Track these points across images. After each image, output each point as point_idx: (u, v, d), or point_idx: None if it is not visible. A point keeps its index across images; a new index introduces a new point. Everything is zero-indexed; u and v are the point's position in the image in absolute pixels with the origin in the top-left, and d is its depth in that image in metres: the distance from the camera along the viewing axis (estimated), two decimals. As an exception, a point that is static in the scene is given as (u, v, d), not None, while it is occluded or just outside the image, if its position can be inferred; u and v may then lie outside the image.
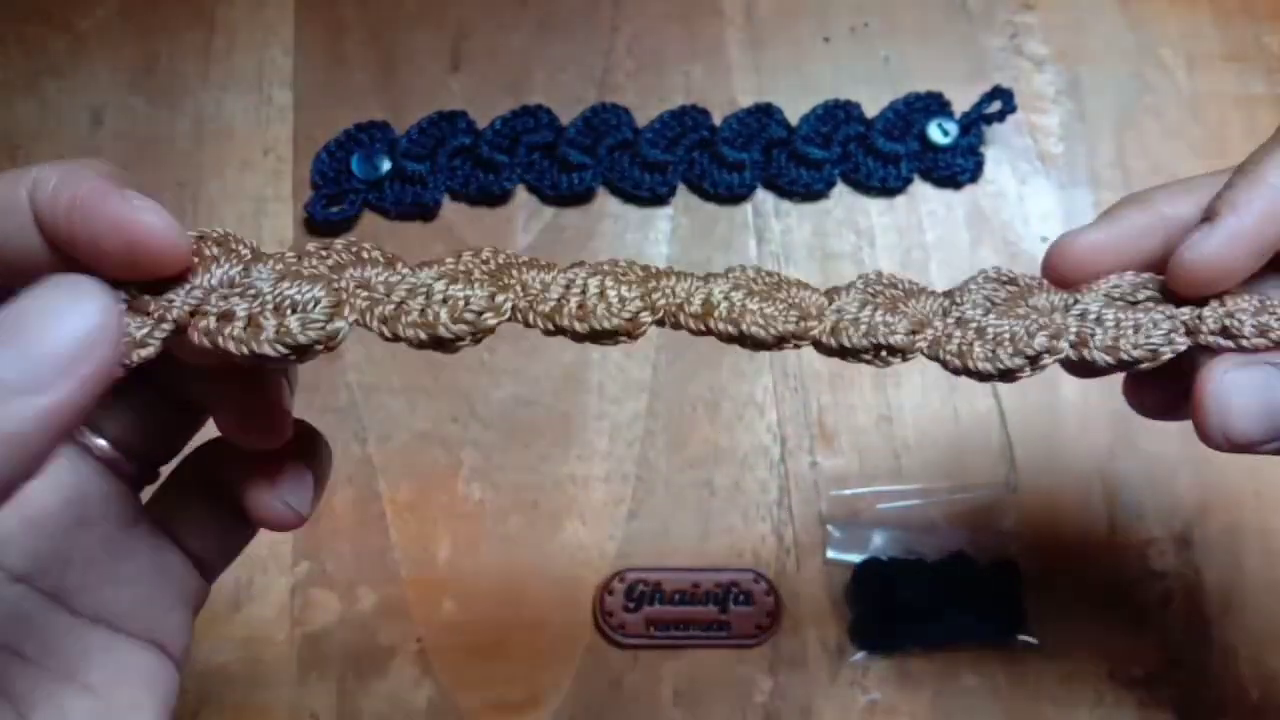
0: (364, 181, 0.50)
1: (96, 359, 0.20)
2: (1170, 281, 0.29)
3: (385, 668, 0.44)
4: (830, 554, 0.46)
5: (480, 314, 0.25)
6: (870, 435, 0.48)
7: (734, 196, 0.51)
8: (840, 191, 0.52)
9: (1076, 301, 0.29)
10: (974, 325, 0.28)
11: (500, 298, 0.25)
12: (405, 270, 0.27)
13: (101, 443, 0.27)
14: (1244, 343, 0.28)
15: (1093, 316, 0.29)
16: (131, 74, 0.52)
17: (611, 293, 0.26)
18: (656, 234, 0.51)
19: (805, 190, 0.51)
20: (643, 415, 0.48)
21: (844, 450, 0.48)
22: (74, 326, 0.20)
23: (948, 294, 0.30)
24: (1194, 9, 0.55)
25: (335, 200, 0.50)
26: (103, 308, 0.21)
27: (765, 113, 0.51)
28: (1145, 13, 0.55)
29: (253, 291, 0.25)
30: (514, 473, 0.47)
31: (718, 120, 0.52)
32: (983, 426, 0.48)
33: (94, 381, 0.20)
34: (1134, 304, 0.30)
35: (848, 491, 0.47)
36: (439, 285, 0.26)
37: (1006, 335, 0.28)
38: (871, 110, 0.52)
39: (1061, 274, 0.31)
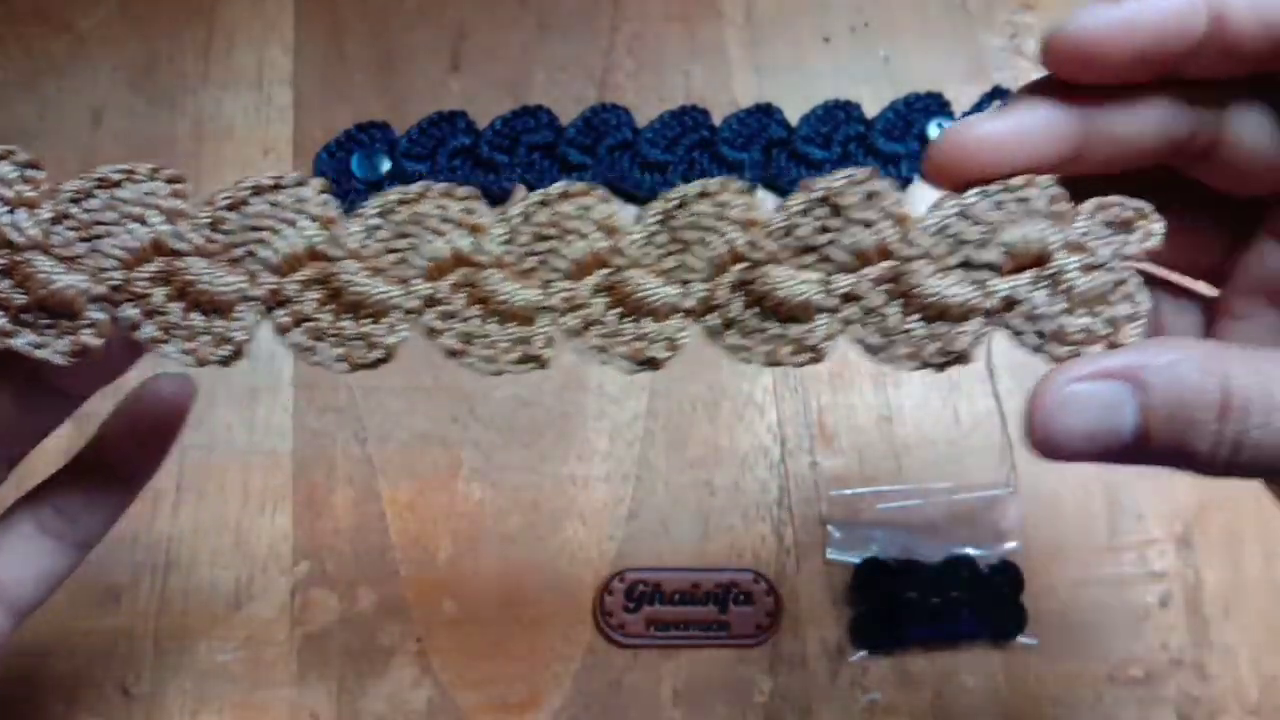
0: (364, 181, 0.50)
1: None
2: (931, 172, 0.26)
3: (385, 668, 0.44)
4: (830, 554, 0.46)
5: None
6: (870, 435, 0.48)
7: (734, 196, 0.51)
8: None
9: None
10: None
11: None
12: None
13: None
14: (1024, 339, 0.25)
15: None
16: (131, 74, 0.52)
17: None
18: (656, 234, 0.51)
19: (805, 190, 0.51)
20: (643, 415, 0.48)
21: (844, 450, 0.48)
22: None
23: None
24: (1194, 9, 0.55)
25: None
26: None
27: (765, 113, 0.51)
28: (1145, 13, 0.55)
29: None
30: (514, 473, 0.47)
31: (718, 120, 0.52)
32: (983, 427, 0.48)
33: None
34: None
35: (848, 491, 0.47)
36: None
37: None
38: (871, 110, 0.52)
39: (949, 177, 0.26)
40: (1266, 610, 0.46)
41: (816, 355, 0.26)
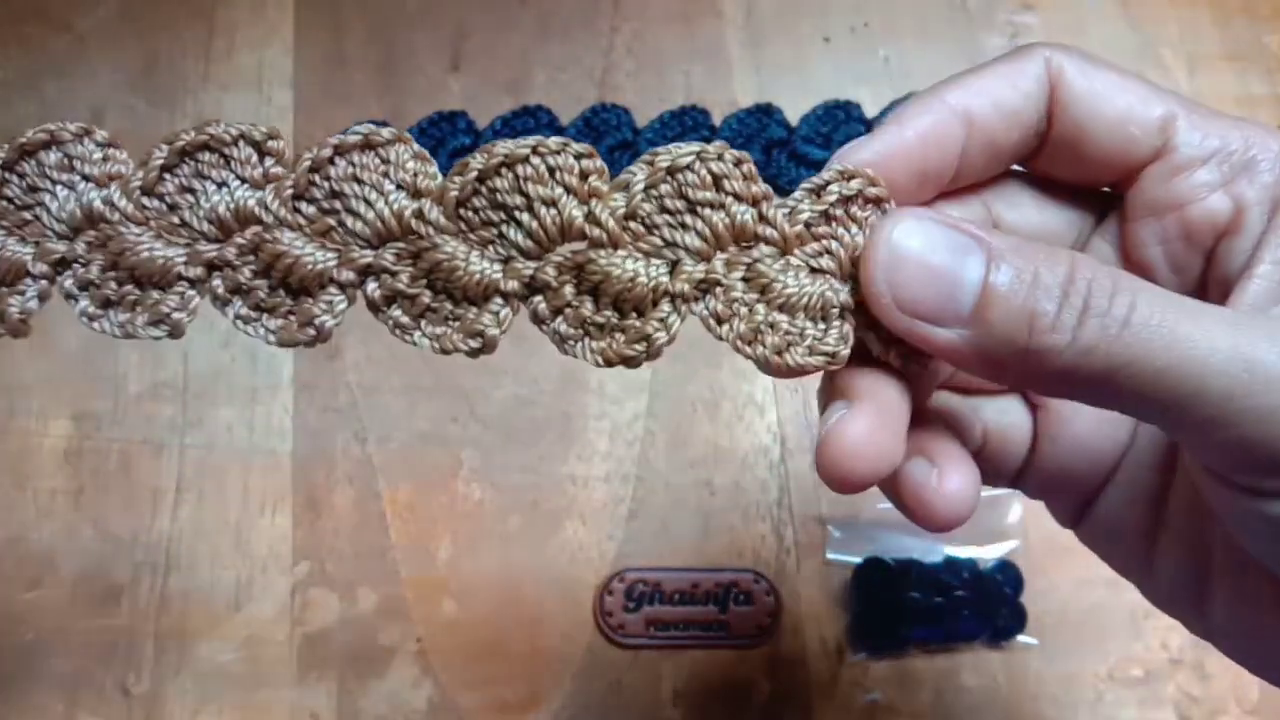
0: (364, 181, 0.50)
1: None
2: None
3: (385, 668, 0.44)
4: (830, 554, 0.46)
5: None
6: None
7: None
8: (840, 191, 0.52)
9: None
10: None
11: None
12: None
13: None
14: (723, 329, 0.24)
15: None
16: (131, 74, 0.52)
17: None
18: (656, 234, 0.51)
19: (805, 190, 0.51)
20: (643, 415, 0.48)
21: (844, 450, 0.48)
22: None
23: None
24: (1194, 9, 0.55)
25: (335, 200, 0.50)
26: None
27: (765, 113, 0.51)
28: (1145, 13, 0.55)
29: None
30: (514, 473, 0.47)
31: (718, 120, 0.52)
32: (983, 426, 0.48)
33: None
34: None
35: None
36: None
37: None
38: (871, 110, 0.52)
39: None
40: (1266, 610, 0.46)
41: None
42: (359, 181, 0.24)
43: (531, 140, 0.23)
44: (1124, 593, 0.46)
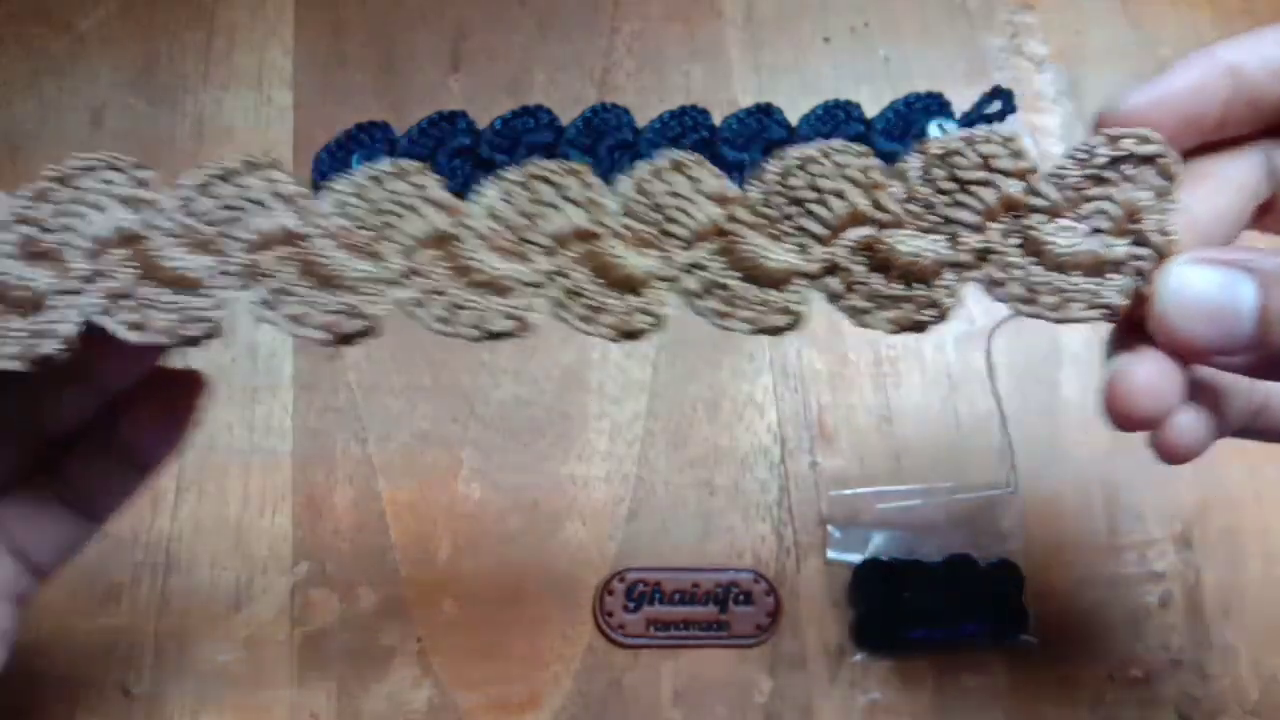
0: (364, 181, 0.50)
1: None
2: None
3: (385, 668, 0.44)
4: (830, 555, 0.46)
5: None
6: (870, 435, 0.48)
7: (734, 196, 0.51)
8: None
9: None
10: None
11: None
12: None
13: None
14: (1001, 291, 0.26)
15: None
16: (131, 74, 0.52)
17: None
18: (656, 234, 0.51)
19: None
20: (643, 415, 0.48)
21: (844, 450, 0.48)
22: None
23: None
24: (1194, 9, 0.55)
25: (335, 200, 0.50)
26: None
27: (765, 113, 0.51)
28: (1145, 13, 0.55)
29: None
30: (514, 473, 0.47)
31: (718, 120, 0.52)
32: (983, 427, 0.48)
33: None
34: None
35: (848, 491, 0.47)
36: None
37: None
38: (871, 110, 0.52)
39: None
40: (1266, 610, 0.46)
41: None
42: (675, 194, 0.28)
43: (817, 143, 0.27)
44: (1124, 593, 0.46)
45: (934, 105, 0.52)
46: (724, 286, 0.27)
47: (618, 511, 0.47)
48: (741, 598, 0.45)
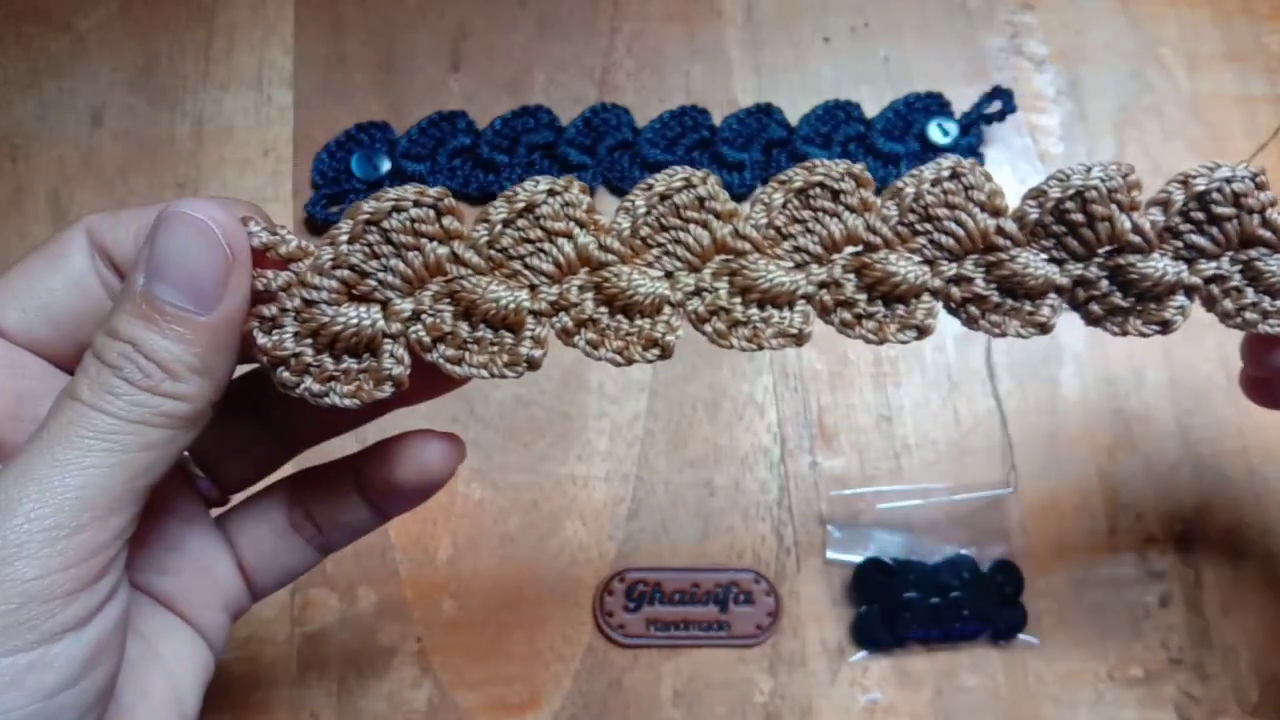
0: (364, 181, 0.50)
1: (238, 260, 0.25)
2: None
3: (385, 668, 0.44)
4: (830, 554, 0.46)
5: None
6: (870, 435, 0.48)
7: (734, 196, 0.51)
8: (840, 191, 0.52)
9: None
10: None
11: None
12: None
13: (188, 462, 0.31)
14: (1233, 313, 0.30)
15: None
16: (131, 74, 0.52)
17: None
18: (656, 234, 0.51)
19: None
20: (643, 415, 0.48)
21: (844, 450, 0.48)
22: (207, 254, 0.24)
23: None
24: (1194, 9, 0.55)
25: (335, 200, 0.50)
26: (215, 218, 0.25)
27: (765, 113, 0.51)
28: (1145, 13, 0.55)
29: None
30: (514, 473, 0.47)
31: (718, 120, 0.52)
32: (983, 427, 0.48)
33: (244, 280, 0.25)
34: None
35: (848, 491, 0.47)
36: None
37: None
38: (871, 110, 0.52)
39: None
40: (1266, 610, 0.46)
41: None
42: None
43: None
44: (1124, 593, 0.46)
45: (934, 105, 0.52)
46: (983, 299, 0.29)
47: (618, 511, 0.47)
48: (741, 598, 0.45)
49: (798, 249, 0.29)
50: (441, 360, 0.27)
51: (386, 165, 0.50)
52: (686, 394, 0.48)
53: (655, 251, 0.28)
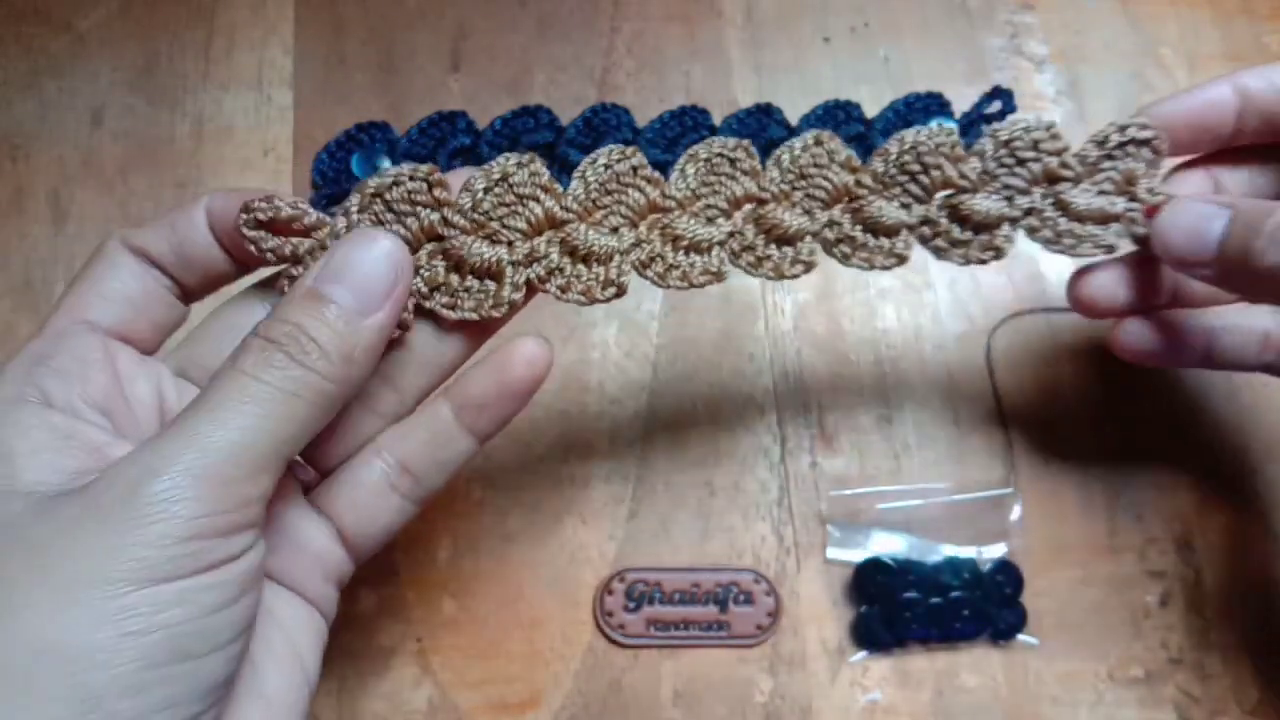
0: (364, 181, 0.50)
1: (401, 284, 0.31)
2: None
3: (385, 668, 0.44)
4: (830, 554, 0.46)
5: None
6: (870, 435, 0.48)
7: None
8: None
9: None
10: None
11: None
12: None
13: None
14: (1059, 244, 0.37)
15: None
16: (131, 74, 0.52)
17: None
18: (656, 234, 0.51)
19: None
20: (643, 415, 0.48)
21: (844, 450, 0.48)
22: (383, 262, 0.30)
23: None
24: (1194, 9, 0.55)
25: (335, 200, 0.50)
26: (396, 249, 0.31)
27: (765, 113, 0.51)
28: (1145, 13, 0.55)
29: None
30: (514, 473, 0.47)
31: (718, 120, 0.52)
32: (983, 427, 0.48)
33: (400, 301, 0.31)
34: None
35: (848, 491, 0.47)
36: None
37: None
38: (871, 110, 0.52)
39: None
40: (1266, 610, 0.46)
41: (901, 259, 0.36)
42: (817, 165, 0.37)
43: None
44: (1124, 592, 0.46)
45: (934, 105, 0.52)
46: (852, 239, 0.36)
47: (618, 511, 0.47)
48: (741, 598, 0.45)
49: (709, 206, 0.36)
50: (438, 307, 0.33)
51: (386, 165, 0.50)
52: (686, 394, 0.48)
53: (602, 212, 0.34)
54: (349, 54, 0.53)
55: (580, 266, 0.34)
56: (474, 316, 0.33)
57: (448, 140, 0.51)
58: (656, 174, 0.35)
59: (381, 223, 0.32)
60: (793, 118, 0.52)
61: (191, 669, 0.26)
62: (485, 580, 0.45)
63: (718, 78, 0.53)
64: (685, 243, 0.35)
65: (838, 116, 0.52)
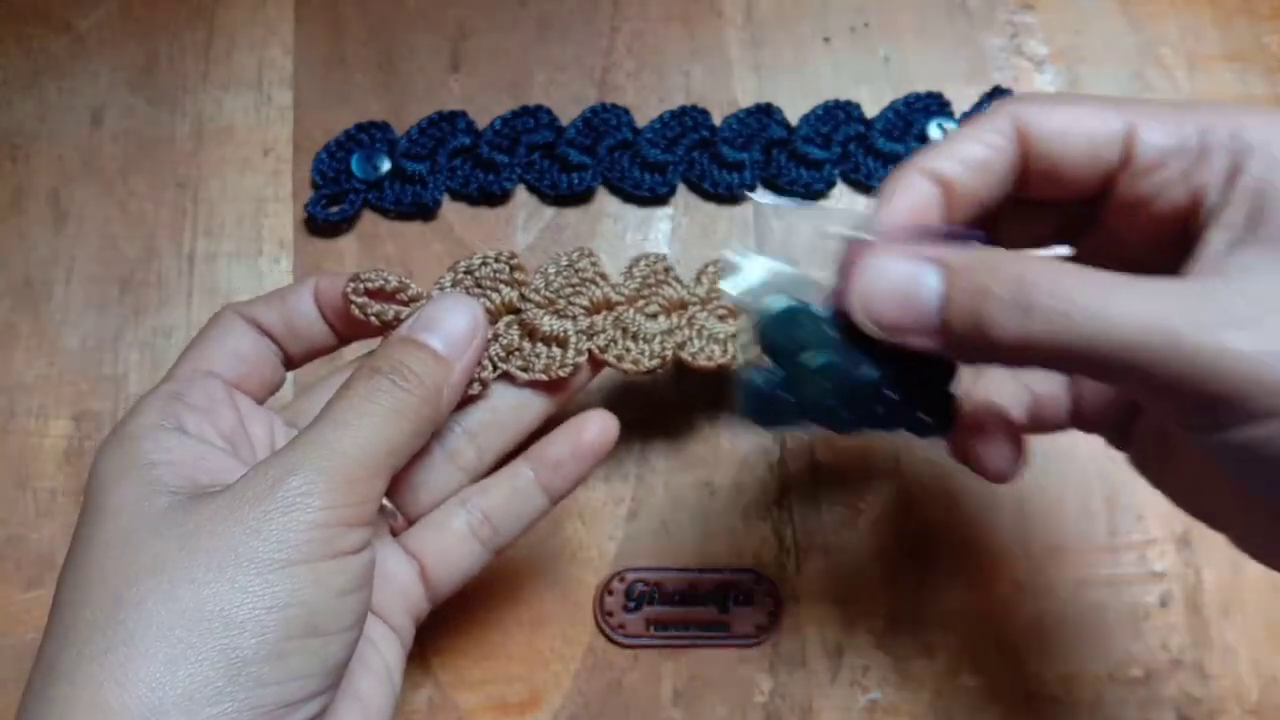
0: (364, 181, 0.50)
1: (479, 336, 0.37)
2: None
3: (385, 668, 0.44)
4: (728, 289, 0.35)
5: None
6: (870, 435, 0.48)
7: (734, 196, 0.51)
8: (840, 191, 0.52)
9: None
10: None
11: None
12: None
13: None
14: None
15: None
16: (131, 74, 0.52)
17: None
18: (656, 234, 0.51)
19: (805, 190, 0.51)
20: (643, 415, 0.48)
21: (844, 450, 0.48)
22: (465, 318, 0.36)
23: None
24: (1194, 9, 0.55)
25: (335, 200, 0.50)
26: (476, 309, 0.37)
27: (765, 113, 0.51)
28: (1145, 13, 0.55)
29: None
30: (514, 473, 0.47)
31: (718, 120, 0.52)
32: (983, 426, 0.48)
33: (478, 351, 0.37)
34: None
35: (769, 201, 0.37)
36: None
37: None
38: (871, 110, 0.52)
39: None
40: (1266, 610, 0.46)
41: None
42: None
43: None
44: (1124, 593, 0.46)
45: (934, 105, 0.52)
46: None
47: (618, 511, 0.47)
48: (741, 598, 0.45)
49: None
50: (513, 369, 0.39)
51: (386, 165, 0.50)
52: (687, 394, 0.48)
53: (642, 301, 0.42)
54: (349, 54, 0.53)
55: (629, 342, 0.40)
56: (543, 377, 0.39)
57: (448, 140, 0.51)
58: (678, 275, 0.42)
59: (469, 294, 0.39)
60: (793, 118, 0.52)
61: (321, 645, 0.29)
62: (485, 580, 0.45)
63: (718, 78, 0.53)
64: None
65: (838, 116, 0.52)
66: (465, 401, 0.38)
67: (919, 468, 0.48)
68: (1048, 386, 0.37)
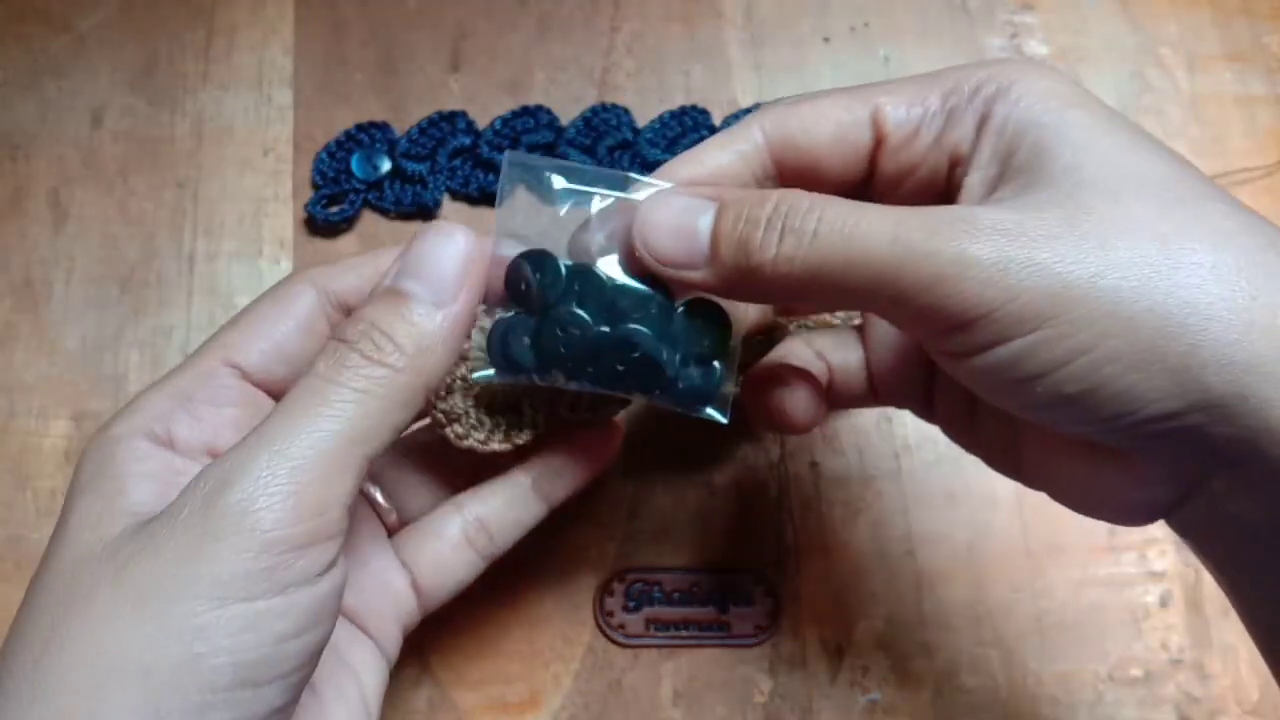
0: (364, 181, 0.50)
1: (474, 271, 0.31)
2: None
3: (385, 668, 0.44)
4: (502, 221, 0.33)
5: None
6: (870, 435, 0.48)
7: (734, 196, 0.51)
8: (840, 191, 0.52)
9: None
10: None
11: None
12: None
13: (374, 490, 0.37)
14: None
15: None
16: (131, 74, 0.52)
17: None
18: (656, 234, 0.51)
19: (805, 190, 0.51)
20: (643, 415, 0.48)
21: (844, 450, 0.48)
22: (454, 257, 0.30)
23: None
24: (1194, 9, 0.55)
25: (335, 200, 0.50)
26: (469, 243, 0.31)
27: (765, 113, 0.51)
28: (1145, 13, 0.55)
29: None
30: (514, 473, 0.47)
31: (718, 120, 0.52)
32: (983, 426, 0.48)
33: (474, 294, 0.31)
34: None
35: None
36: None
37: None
38: (871, 110, 0.52)
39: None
40: (1266, 610, 0.46)
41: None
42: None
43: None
44: (1124, 592, 0.46)
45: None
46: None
47: (618, 511, 0.47)
48: (741, 598, 0.45)
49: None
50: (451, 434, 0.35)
51: (386, 165, 0.50)
52: (686, 394, 0.48)
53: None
54: (349, 54, 0.53)
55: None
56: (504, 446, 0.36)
57: (448, 140, 0.51)
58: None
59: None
60: (793, 118, 0.52)
61: (251, 696, 0.26)
62: (485, 579, 0.45)
63: (718, 78, 0.53)
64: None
65: (838, 116, 0.52)
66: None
67: (919, 468, 0.48)
68: (842, 355, 0.37)
